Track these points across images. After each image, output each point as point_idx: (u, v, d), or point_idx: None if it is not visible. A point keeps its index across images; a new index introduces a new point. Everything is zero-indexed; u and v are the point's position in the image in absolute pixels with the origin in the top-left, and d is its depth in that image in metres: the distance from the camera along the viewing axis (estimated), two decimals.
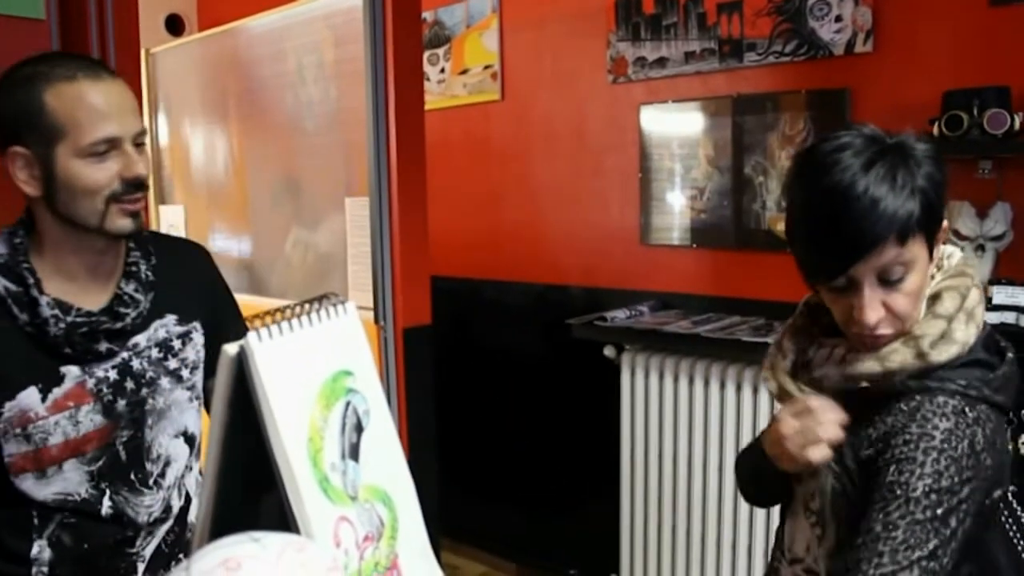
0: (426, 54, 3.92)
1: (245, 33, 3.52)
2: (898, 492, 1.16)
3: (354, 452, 0.96)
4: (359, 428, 0.97)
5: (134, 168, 1.40)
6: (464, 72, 3.91)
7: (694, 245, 3.22)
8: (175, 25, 4.86)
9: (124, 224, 1.42)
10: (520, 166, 3.77)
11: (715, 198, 3.14)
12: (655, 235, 3.33)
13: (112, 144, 1.38)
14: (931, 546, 1.14)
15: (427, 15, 3.87)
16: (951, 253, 1.35)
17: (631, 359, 3.08)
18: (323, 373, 0.94)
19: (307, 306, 0.93)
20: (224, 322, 1.66)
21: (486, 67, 3.82)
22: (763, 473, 1.38)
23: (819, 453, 1.22)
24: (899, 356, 1.23)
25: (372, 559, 0.94)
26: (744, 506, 2.84)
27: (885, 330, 1.23)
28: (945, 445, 1.18)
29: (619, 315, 3.15)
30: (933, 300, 1.28)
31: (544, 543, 3.82)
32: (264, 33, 3.42)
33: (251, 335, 0.84)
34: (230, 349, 0.85)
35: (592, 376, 3.34)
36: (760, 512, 2.81)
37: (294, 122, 3.32)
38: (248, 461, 0.84)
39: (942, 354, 1.23)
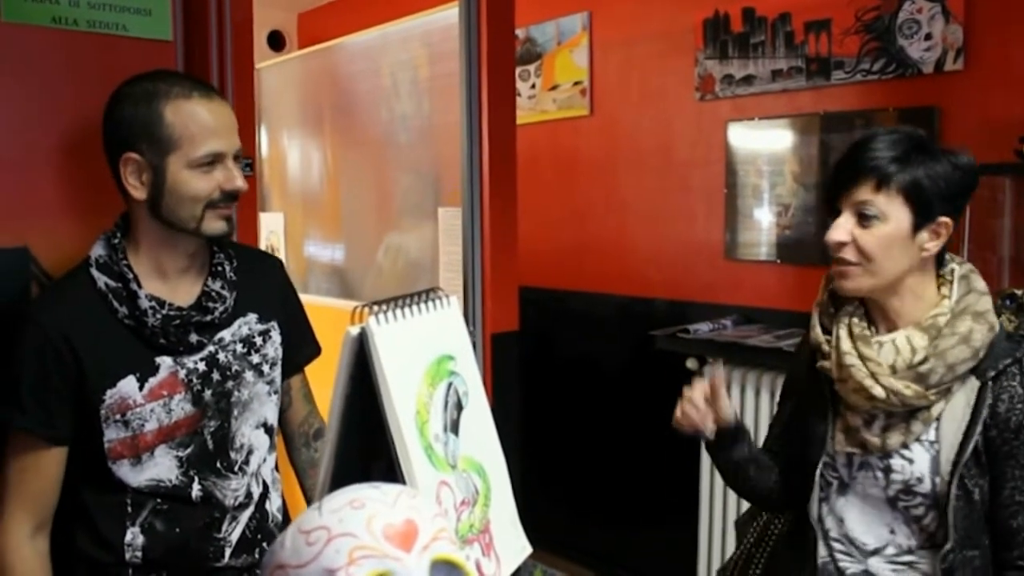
0: (517, 70, 4.03)
1: (344, 50, 3.67)
2: None
3: (454, 427, 1.07)
4: (459, 406, 1.08)
5: (235, 181, 1.55)
6: (554, 88, 4.01)
7: (778, 261, 3.25)
8: (276, 41, 5.07)
9: (218, 226, 1.56)
10: (607, 180, 3.84)
11: (800, 215, 3.17)
12: (740, 250, 3.37)
13: (217, 158, 1.53)
14: None
15: (519, 32, 3.98)
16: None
17: (712, 371, 3.11)
18: (429, 355, 1.05)
19: (417, 297, 1.04)
20: (294, 331, 1.79)
21: (575, 83, 3.91)
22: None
23: None
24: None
25: (467, 521, 1.05)
26: None
27: (847, 255, 1.49)
28: None
29: (702, 328, 3.19)
30: (966, 280, 1.53)
31: (622, 552, 3.86)
32: (362, 50, 3.56)
33: (371, 319, 0.95)
34: (353, 330, 0.96)
35: (674, 388, 3.36)
36: None
37: (387, 135, 3.44)
38: (362, 429, 0.95)
39: (997, 324, 1.49)
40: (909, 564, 1.53)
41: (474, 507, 1.08)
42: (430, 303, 1.07)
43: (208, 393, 1.59)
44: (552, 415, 4.04)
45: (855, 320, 1.54)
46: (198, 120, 1.51)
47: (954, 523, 1.44)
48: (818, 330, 1.59)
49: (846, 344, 1.52)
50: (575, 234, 3.97)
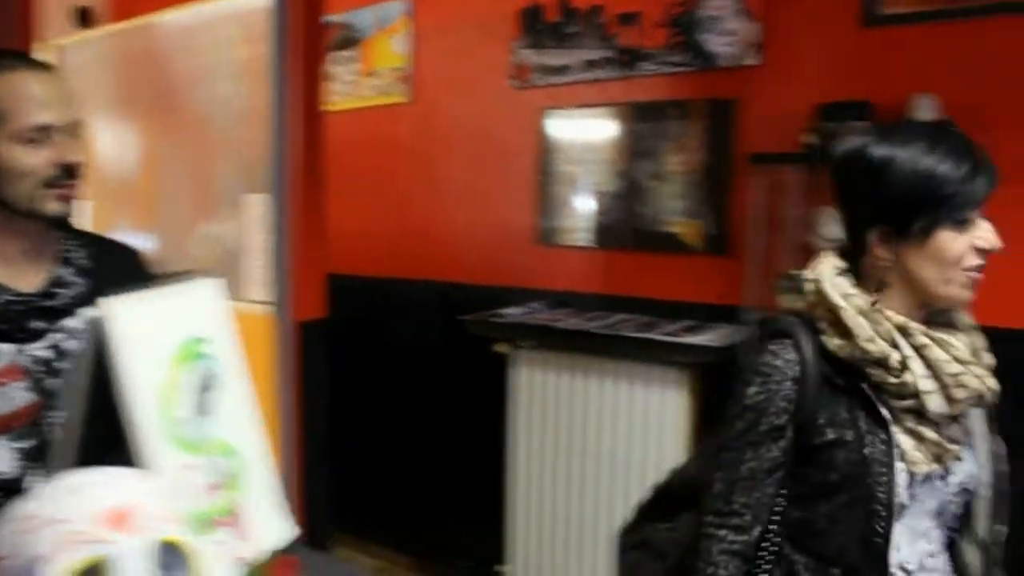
0: (335, 56, 3.99)
1: (157, 28, 3.53)
2: None
3: (204, 409, 1.05)
4: (209, 388, 1.07)
5: (67, 155, 1.49)
6: (373, 74, 3.98)
7: (591, 246, 3.34)
8: (85, 17, 4.83)
9: (54, 208, 1.50)
10: (426, 167, 3.85)
11: (611, 201, 3.26)
12: (553, 236, 3.44)
13: (47, 131, 1.47)
14: None
15: (337, 18, 3.94)
16: None
17: (523, 355, 3.16)
18: (178, 338, 1.03)
19: (165, 280, 1.02)
20: None
21: (395, 69, 3.90)
22: None
23: None
24: None
25: (217, 504, 1.04)
26: (630, 499, 2.90)
27: (985, 260, 1.36)
28: None
29: (514, 312, 3.24)
30: None
31: (438, 536, 3.86)
32: (176, 29, 3.43)
33: (112, 300, 0.93)
34: (91, 312, 0.94)
35: (486, 372, 3.40)
36: None
37: (205, 119, 3.35)
38: (105, 414, 0.93)
39: None
40: (932, 570, 1.45)
41: (225, 490, 1.07)
42: (181, 285, 1.06)
43: (51, 381, 1.52)
44: (364, 402, 4.02)
45: (921, 326, 1.38)
46: (24, 92, 1.45)
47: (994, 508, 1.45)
48: (882, 343, 1.36)
49: (940, 352, 1.36)
50: (393, 221, 3.96)
